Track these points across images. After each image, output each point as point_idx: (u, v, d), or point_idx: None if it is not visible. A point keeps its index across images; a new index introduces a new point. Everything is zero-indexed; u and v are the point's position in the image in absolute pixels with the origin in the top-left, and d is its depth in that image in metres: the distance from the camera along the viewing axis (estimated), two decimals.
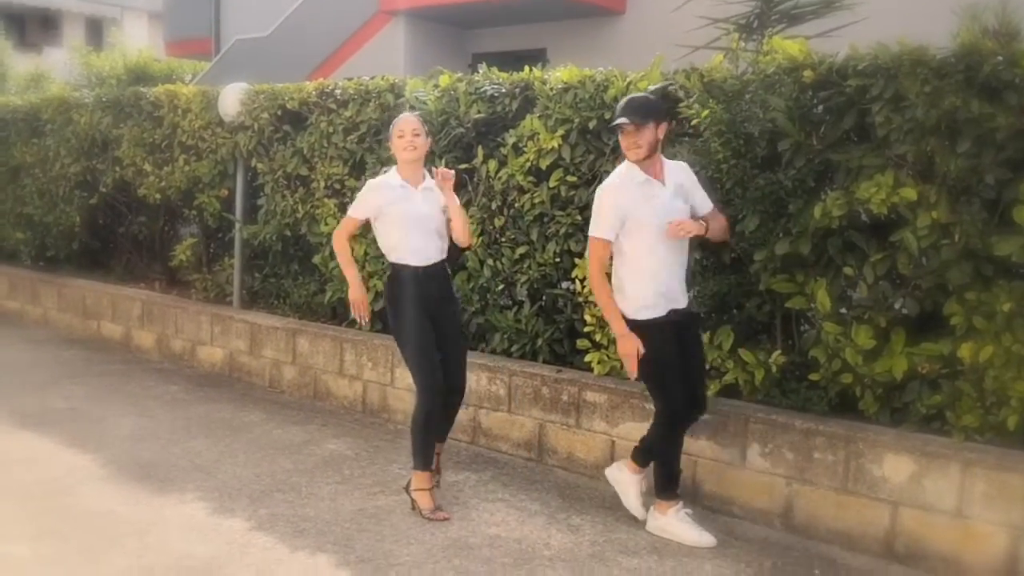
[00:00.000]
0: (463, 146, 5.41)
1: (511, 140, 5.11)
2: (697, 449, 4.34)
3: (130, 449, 4.96)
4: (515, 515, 4.20)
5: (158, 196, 7.54)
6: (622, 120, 3.86)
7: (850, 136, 4.05)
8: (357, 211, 4.38)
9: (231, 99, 6.60)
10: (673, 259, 3.97)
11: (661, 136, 3.91)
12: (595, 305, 4.78)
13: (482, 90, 5.36)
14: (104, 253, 8.88)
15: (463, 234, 4.38)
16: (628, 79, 4.75)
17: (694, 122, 4.35)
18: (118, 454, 4.87)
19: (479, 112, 5.30)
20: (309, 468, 4.73)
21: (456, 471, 4.78)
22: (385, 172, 4.48)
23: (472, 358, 5.21)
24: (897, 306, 3.99)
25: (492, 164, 5.19)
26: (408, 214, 4.26)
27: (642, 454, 4.12)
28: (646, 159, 3.89)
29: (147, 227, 8.19)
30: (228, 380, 6.62)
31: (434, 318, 4.28)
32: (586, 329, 4.84)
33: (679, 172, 4.03)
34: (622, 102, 4.01)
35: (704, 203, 4.06)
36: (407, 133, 4.27)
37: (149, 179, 7.54)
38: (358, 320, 4.44)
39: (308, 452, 4.97)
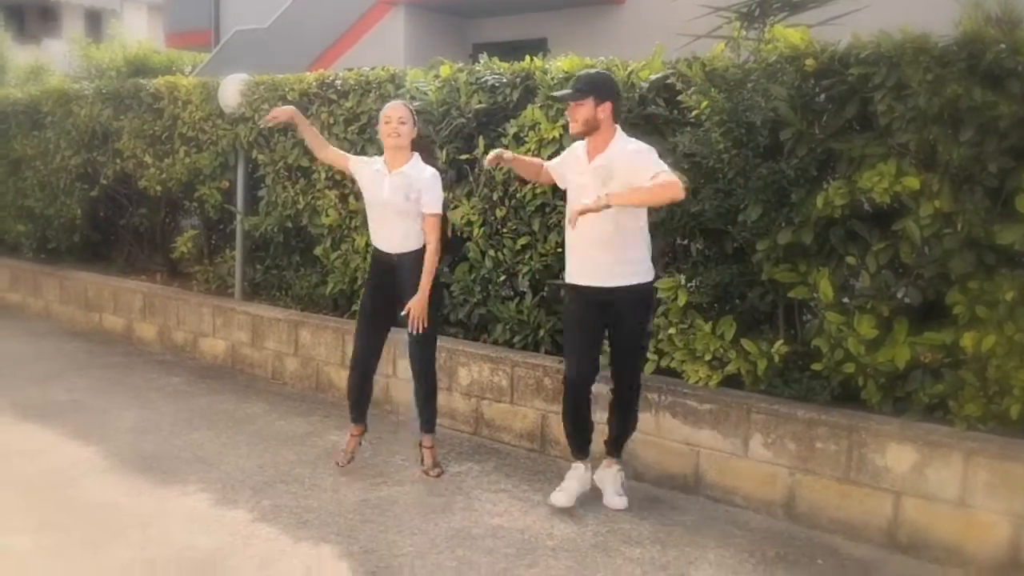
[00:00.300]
0: (464, 136, 5.39)
1: (512, 130, 5.09)
2: (699, 439, 4.34)
3: (133, 441, 4.96)
4: (518, 505, 4.21)
5: (159, 188, 7.53)
6: (562, 92, 4.03)
7: (852, 125, 4.03)
8: (352, 160, 4.70)
9: (231, 90, 6.58)
10: (590, 236, 3.96)
11: (602, 116, 3.91)
12: None
13: (483, 80, 5.34)
14: (105, 245, 8.88)
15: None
16: (629, 68, 4.73)
17: (695, 112, 4.34)
18: (121, 446, 4.87)
19: (480, 102, 5.28)
20: (312, 459, 4.74)
21: (459, 462, 4.78)
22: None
23: (474, 349, 5.23)
24: (900, 295, 3.98)
25: None
26: (372, 199, 4.51)
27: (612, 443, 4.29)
28: (584, 135, 3.96)
29: (148, 219, 8.19)
30: (230, 372, 6.62)
31: (390, 303, 4.51)
32: None
33: (619, 153, 3.91)
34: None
35: (646, 176, 3.77)
36: (392, 119, 4.40)
37: (150, 171, 7.52)
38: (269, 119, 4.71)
39: (311, 443, 4.97)
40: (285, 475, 4.52)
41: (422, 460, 4.63)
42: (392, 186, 4.40)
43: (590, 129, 3.94)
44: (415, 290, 4.38)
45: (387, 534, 3.86)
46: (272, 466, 4.63)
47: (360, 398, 4.68)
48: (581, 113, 3.91)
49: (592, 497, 4.31)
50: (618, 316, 4.06)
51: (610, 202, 3.73)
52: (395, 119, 4.40)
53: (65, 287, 8.40)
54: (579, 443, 4.23)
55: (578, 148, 4.11)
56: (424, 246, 4.41)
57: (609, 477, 4.24)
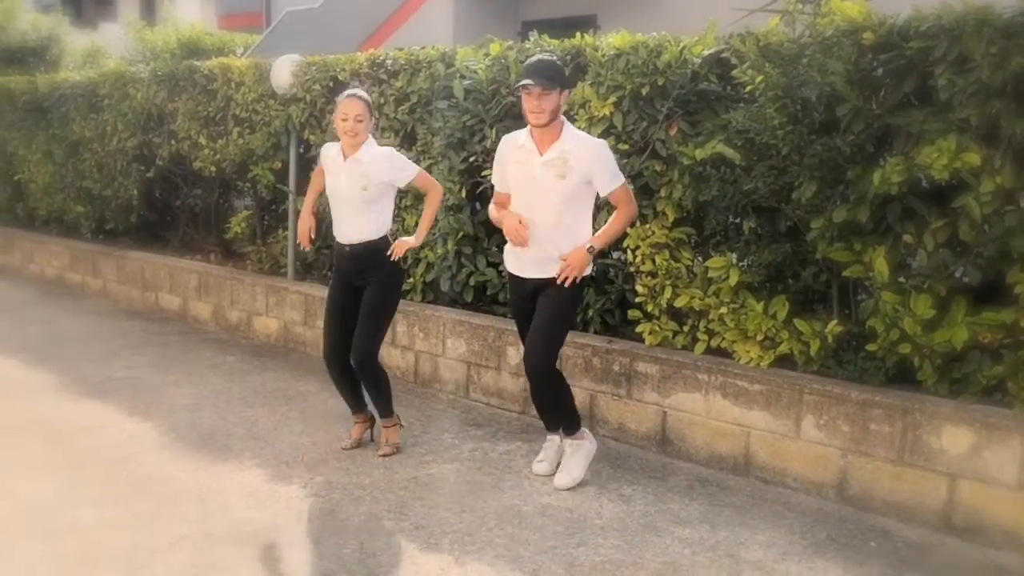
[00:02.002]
0: (514, 115, 5.37)
1: (563, 108, 5.05)
2: (750, 420, 4.30)
3: (189, 417, 5.07)
4: None
5: (213, 169, 7.64)
6: (527, 82, 3.84)
7: (911, 100, 3.94)
8: (320, 172, 4.64)
9: (283, 71, 6.64)
10: (538, 225, 3.97)
11: (563, 104, 3.96)
12: (646, 275, 4.76)
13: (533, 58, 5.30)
14: (161, 226, 9.05)
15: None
16: (682, 44, 4.67)
17: (749, 88, 4.27)
18: (177, 422, 4.98)
19: None
20: (363, 437, 4.79)
21: (508, 441, 4.80)
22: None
23: None
24: (958, 274, 3.89)
25: None
26: (331, 189, 4.47)
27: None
28: (546, 125, 3.90)
29: (202, 200, 8.32)
30: (283, 350, 6.72)
31: (360, 293, 4.43)
32: (637, 299, 4.81)
33: (573, 146, 3.93)
34: (529, 63, 4.01)
35: (603, 187, 3.97)
36: (350, 117, 4.31)
37: (204, 152, 7.63)
38: (302, 242, 4.64)
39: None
40: (337, 452, 4.58)
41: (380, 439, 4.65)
42: (348, 175, 4.36)
43: (552, 119, 3.90)
44: (377, 279, 4.39)
45: (437, 511, 3.89)
46: (324, 443, 4.70)
47: (347, 391, 4.61)
48: (550, 103, 3.86)
49: (640, 476, 4.31)
50: (541, 304, 4.10)
51: (595, 251, 3.96)
52: (352, 117, 4.31)
53: (122, 267, 8.58)
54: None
55: (518, 140, 4.05)
56: (382, 237, 4.41)
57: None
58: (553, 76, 3.88)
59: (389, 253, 4.40)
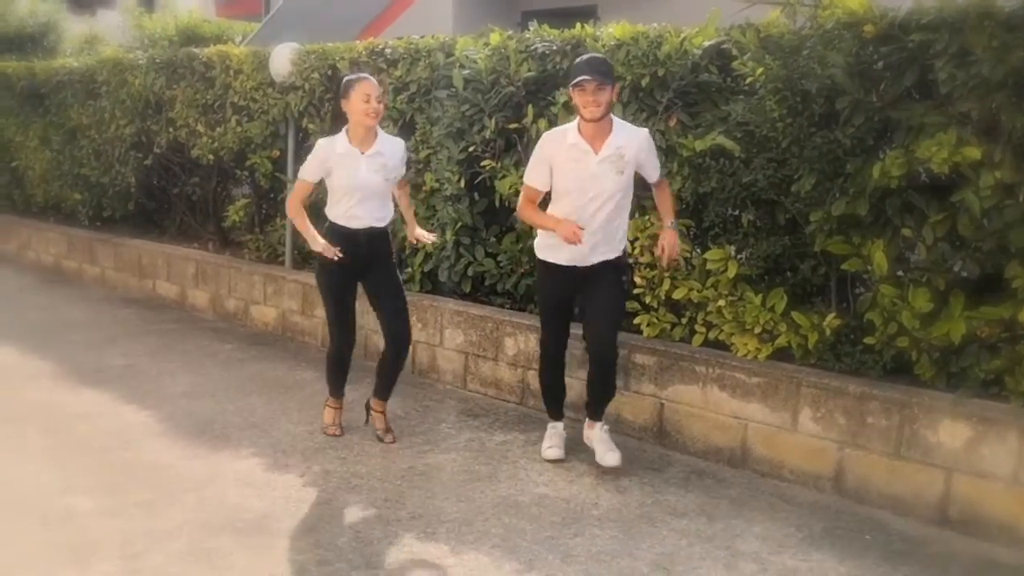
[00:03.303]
0: (513, 105, 5.36)
1: (562, 99, 5.04)
2: (747, 412, 4.31)
3: (186, 406, 5.07)
4: (563, 475, 4.22)
5: (211, 157, 7.62)
6: (584, 77, 3.88)
7: (911, 93, 3.93)
8: (308, 173, 4.45)
9: (282, 59, 6.61)
10: (590, 222, 4.03)
11: (615, 99, 4.06)
12: (645, 267, 4.75)
13: (533, 48, 5.29)
14: (159, 213, 9.03)
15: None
16: (682, 35, 4.66)
17: (749, 80, 4.26)
18: (174, 410, 4.98)
19: (529, 70, 5.24)
20: (361, 426, 4.79)
21: (505, 431, 4.81)
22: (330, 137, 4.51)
23: (521, 319, 5.23)
24: (956, 268, 3.89)
25: (543, 123, 5.13)
26: (351, 181, 4.35)
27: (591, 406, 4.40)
28: (600, 120, 3.94)
29: (200, 188, 8.30)
30: (281, 339, 6.71)
31: (368, 277, 4.52)
32: (636, 291, 4.81)
33: (625, 139, 4.02)
34: (581, 60, 4.04)
35: (652, 174, 4.17)
36: (373, 98, 4.27)
37: (202, 140, 7.61)
38: (332, 256, 4.38)
39: (360, 411, 5.01)
40: (334, 441, 4.58)
41: (375, 423, 4.70)
42: (369, 167, 4.35)
43: (606, 114, 3.97)
44: (387, 258, 4.51)
45: (434, 500, 3.90)
46: (322, 432, 4.70)
47: (344, 375, 4.73)
48: (605, 98, 3.92)
49: (638, 467, 4.31)
50: (597, 288, 4.21)
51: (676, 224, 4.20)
52: (375, 97, 4.28)
53: (120, 254, 8.56)
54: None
55: (566, 138, 4.07)
56: (392, 220, 4.55)
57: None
58: (607, 72, 3.97)
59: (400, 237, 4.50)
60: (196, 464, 4.24)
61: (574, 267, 4.14)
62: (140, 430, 4.66)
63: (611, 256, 4.14)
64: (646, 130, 4.18)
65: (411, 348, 5.82)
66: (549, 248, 4.20)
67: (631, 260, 4.80)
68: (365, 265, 4.47)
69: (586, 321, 4.23)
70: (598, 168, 3.99)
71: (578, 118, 4.04)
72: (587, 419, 4.41)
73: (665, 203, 4.23)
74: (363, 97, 4.26)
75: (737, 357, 4.42)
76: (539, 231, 4.28)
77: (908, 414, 3.84)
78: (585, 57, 4.10)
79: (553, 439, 4.44)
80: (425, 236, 4.64)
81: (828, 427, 4.06)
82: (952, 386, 3.88)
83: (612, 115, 4.07)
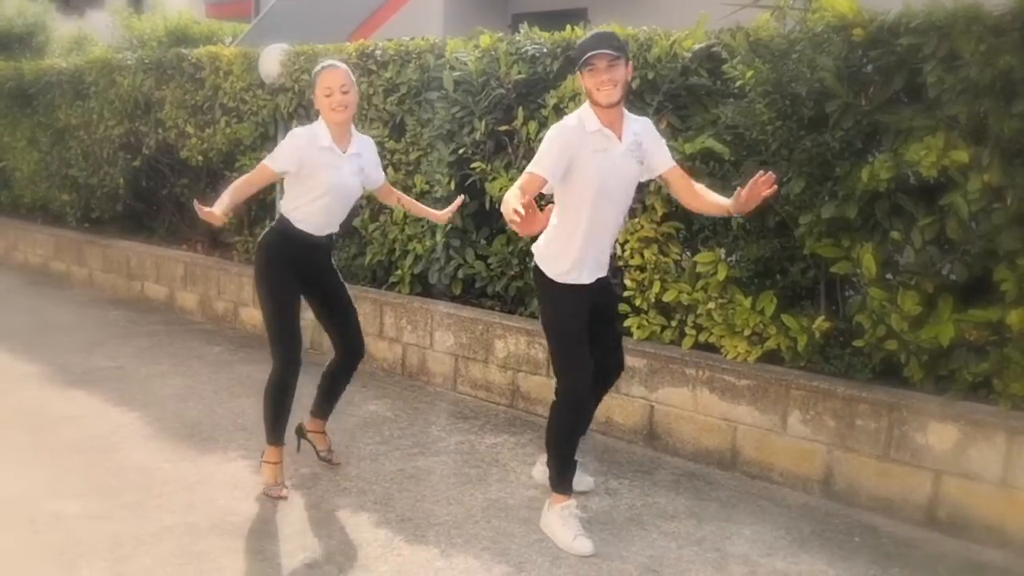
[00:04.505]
0: (503, 107, 5.36)
1: (552, 101, 5.05)
2: (737, 415, 4.31)
3: (175, 408, 5.04)
4: None
5: (200, 158, 7.59)
6: (598, 51, 3.32)
7: (900, 97, 3.95)
8: (279, 162, 3.81)
9: (271, 61, 6.60)
10: (608, 224, 3.58)
11: (629, 78, 3.50)
12: (635, 269, 4.75)
13: (523, 50, 5.29)
14: (147, 215, 8.99)
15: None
16: (672, 38, 4.67)
17: (738, 83, 4.27)
18: (163, 413, 4.95)
19: (520, 73, 5.24)
20: (350, 428, 4.78)
21: (495, 434, 4.80)
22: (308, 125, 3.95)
23: (511, 322, 5.23)
24: (945, 271, 3.91)
25: (532, 126, 5.14)
26: (332, 183, 3.83)
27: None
28: (616, 104, 3.41)
29: (189, 189, 8.26)
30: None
31: (320, 287, 4.07)
32: (626, 294, 4.81)
33: (639, 127, 3.57)
34: (587, 37, 3.46)
35: (665, 161, 3.65)
36: (335, 90, 3.73)
37: (191, 141, 7.59)
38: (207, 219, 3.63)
39: (349, 413, 5.01)
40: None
41: (315, 444, 4.34)
42: (351, 169, 3.90)
43: (623, 96, 3.43)
44: (333, 266, 4.15)
45: (423, 503, 3.89)
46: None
47: (286, 409, 4.03)
48: (621, 75, 3.37)
49: (627, 470, 4.31)
50: (607, 307, 3.87)
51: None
52: (337, 89, 3.73)
53: (108, 256, 8.52)
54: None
55: (586, 125, 3.43)
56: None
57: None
58: (620, 46, 3.39)
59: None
60: (184, 467, 4.22)
61: (589, 285, 3.60)
62: (128, 432, 4.64)
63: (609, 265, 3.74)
64: (645, 117, 3.76)
65: (402, 350, 5.85)
66: (572, 270, 3.55)
67: (620, 263, 4.82)
68: (317, 273, 4.04)
69: (599, 343, 3.68)
70: (621, 159, 3.47)
71: (586, 107, 3.46)
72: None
73: (699, 188, 3.66)
74: (324, 91, 3.75)
75: (727, 360, 4.42)
76: (550, 256, 3.60)
77: (897, 416, 3.85)
78: (591, 33, 3.57)
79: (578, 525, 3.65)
80: (452, 207, 4.22)
81: (817, 429, 4.07)
82: (941, 388, 3.89)
83: None
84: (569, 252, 3.54)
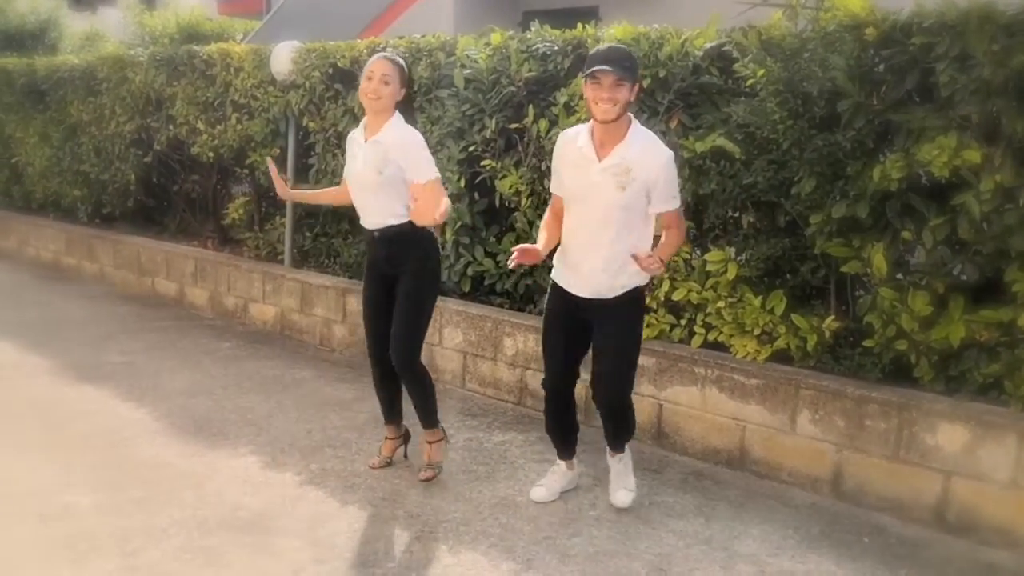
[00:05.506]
0: (514, 105, 5.36)
1: (562, 99, 5.05)
2: (746, 414, 4.30)
3: (184, 403, 5.06)
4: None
5: (211, 154, 7.61)
6: (603, 67, 3.30)
7: (912, 96, 3.93)
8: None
9: (283, 57, 6.61)
10: (587, 239, 3.53)
11: (633, 98, 3.42)
12: None
13: (534, 48, 5.29)
14: (158, 211, 9.02)
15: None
16: (683, 36, 4.66)
17: (750, 82, 4.26)
18: (173, 408, 4.97)
19: (530, 71, 5.24)
20: (359, 425, 4.79)
21: (503, 431, 4.80)
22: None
23: (520, 320, 5.23)
24: (956, 272, 3.89)
25: (543, 123, 5.14)
26: (350, 172, 3.98)
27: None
28: (615, 121, 3.37)
29: (200, 185, 8.30)
30: (279, 338, 6.71)
31: (388, 286, 3.99)
32: None
33: (637, 154, 3.41)
34: (598, 50, 3.44)
35: (660, 205, 3.48)
36: (375, 76, 3.77)
37: (202, 137, 7.61)
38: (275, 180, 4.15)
39: (358, 409, 5.02)
40: (333, 440, 4.58)
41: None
42: (365, 158, 3.85)
43: (621, 114, 3.38)
44: (410, 266, 3.90)
45: (432, 500, 3.89)
46: (320, 431, 4.70)
47: (384, 394, 4.21)
48: (623, 95, 3.33)
49: (635, 468, 4.31)
50: (604, 331, 3.69)
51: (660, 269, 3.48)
52: (377, 76, 3.76)
53: (119, 251, 8.55)
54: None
55: (577, 139, 3.52)
56: (408, 221, 3.86)
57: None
58: (630, 66, 3.37)
59: (422, 240, 3.93)
60: (194, 462, 4.24)
61: (572, 295, 3.65)
62: (138, 427, 4.66)
63: (618, 291, 3.58)
64: (669, 152, 3.48)
65: None
66: (557, 269, 3.72)
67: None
68: (387, 271, 3.99)
69: (593, 360, 3.72)
70: (599, 177, 3.43)
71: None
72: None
73: (664, 246, 3.56)
74: (367, 75, 3.81)
75: (736, 359, 4.42)
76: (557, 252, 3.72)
77: (906, 417, 3.84)
78: (604, 47, 3.51)
79: (549, 478, 4.04)
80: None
81: (827, 429, 4.06)
82: (951, 389, 3.88)
83: (633, 121, 3.48)
84: (561, 252, 3.70)
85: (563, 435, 3.99)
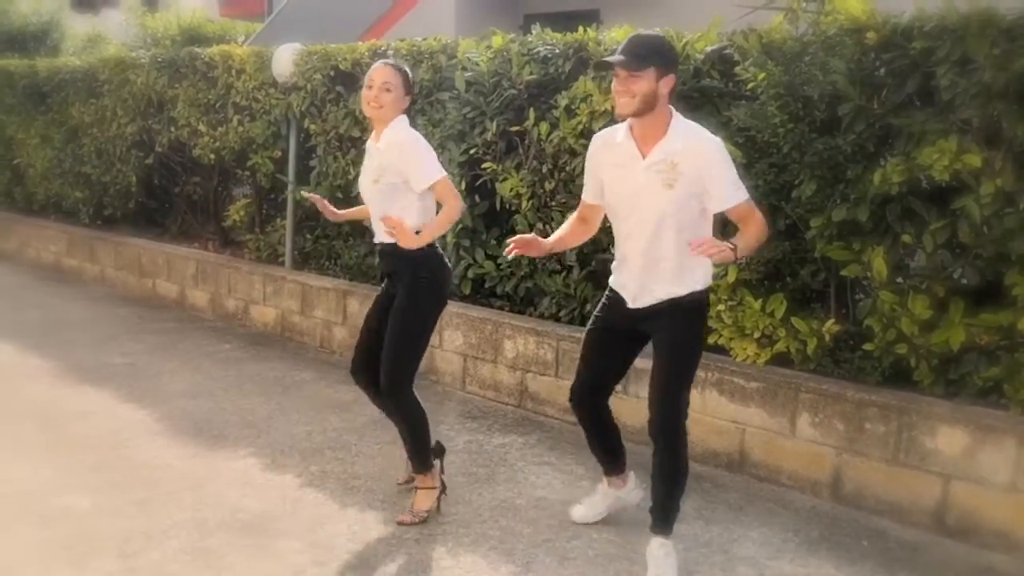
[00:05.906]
0: (515, 108, 5.36)
1: (563, 102, 5.05)
2: (746, 417, 4.30)
3: (185, 405, 5.07)
4: (561, 478, 4.22)
5: (212, 156, 7.62)
6: (615, 58, 3.08)
7: (913, 100, 3.93)
8: None
9: (284, 60, 6.62)
10: (640, 246, 3.24)
11: (664, 92, 3.07)
12: None
13: (535, 51, 5.30)
14: (160, 213, 9.03)
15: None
16: (684, 40, 4.66)
17: (750, 85, 4.26)
18: (173, 410, 4.97)
19: (531, 74, 5.25)
20: (359, 427, 4.80)
21: (503, 434, 4.81)
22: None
23: (520, 322, 5.23)
24: (956, 275, 3.90)
25: (544, 126, 5.14)
26: (359, 181, 3.88)
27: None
28: (640, 116, 3.09)
29: (201, 187, 8.30)
30: (280, 339, 6.71)
31: (390, 304, 3.74)
32: None
33: (681, 145, 3.10)
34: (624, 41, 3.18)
35: (720, 200, 3.13)
36: (375, 85, 3.60)
37: (203, 139, 7.62)
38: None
39: (358, 411, 5.02)
40: (333, 442, 4.58)
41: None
42: (366, 166, 3.74)
43: (645, 109, 3.06)
44: (408, 283, 3.65)
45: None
46: (320, 432, 4.70)
47: (385, 411, 3.93)
48: (639, 87, 3.02)
49: (639, 472, 4.30)
50: (659, 342, 3.39)
51: (736, 256, 3.07)
52: (378, 83, 3.59)
53: (120, 253, 8.56)
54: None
55: (615, 137, 3.25)
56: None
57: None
58: (644, 54, 3.05)
59: (420, 257, 3.64)
60: (194, 463, 4.24)
61: (625, 301, 3.36)
62: (138, 429, 4.66)
63: (669, 295, 3.26)
64: (718, 140, 3.15)
65: None
66: (615, 275, 3.43)
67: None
68: (389, 287, 3.79)
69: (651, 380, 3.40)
70: (644, 177, 3.13)
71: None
72: None
73: (743, 236, 3.16)
74: (367, 82, 3.64)
75: (736, 362, 4.42)
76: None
77: (906, 420, 3.84)
78: (629, 36, 3.22)
79: (592, 497, 3.83)
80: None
81: (826, 433, 4.06)
82: (950, 393, 3.88)
83: (674, 114, 3.16)
84: (617, 261, 3.41)
85: (597, 450, 3.73)
